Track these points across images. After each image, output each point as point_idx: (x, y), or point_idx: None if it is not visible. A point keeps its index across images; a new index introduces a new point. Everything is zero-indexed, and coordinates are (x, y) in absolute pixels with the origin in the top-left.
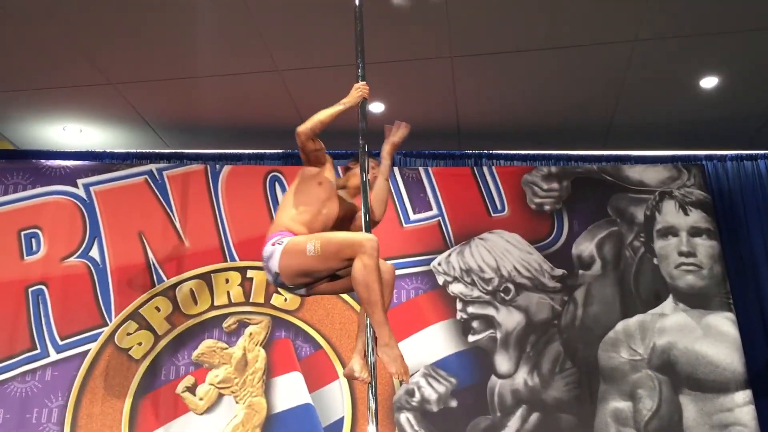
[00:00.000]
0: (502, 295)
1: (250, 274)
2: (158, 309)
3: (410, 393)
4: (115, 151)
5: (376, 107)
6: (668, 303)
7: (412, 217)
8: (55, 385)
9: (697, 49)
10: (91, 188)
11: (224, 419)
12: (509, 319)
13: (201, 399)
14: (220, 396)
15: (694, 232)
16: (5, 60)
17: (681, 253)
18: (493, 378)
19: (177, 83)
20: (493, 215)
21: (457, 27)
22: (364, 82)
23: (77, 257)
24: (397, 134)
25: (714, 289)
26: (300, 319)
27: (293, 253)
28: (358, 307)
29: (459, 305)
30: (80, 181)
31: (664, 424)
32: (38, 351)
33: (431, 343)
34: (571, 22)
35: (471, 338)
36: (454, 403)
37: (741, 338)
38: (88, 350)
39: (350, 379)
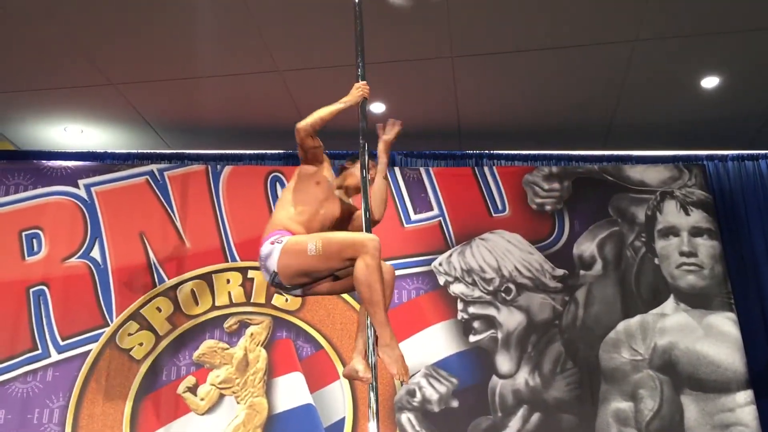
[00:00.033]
0: (503, 295)
1: (251, 274)
2: (159, 309)
3: (411, 393)
4: (116, 151)
5: (377, 107)
6: (669, 303)
7: (413, 217)
8: (57, 386)
9: (698, 49)
10: (92, 189)
11: (225, 419)
12: (510, 319)
13: (202, 399)
14: (221, 396)
15: (695, 232)
16: (6, 61)
17: (682, 253)
18: (495, 378)
19: (178, 83)
20: (494, 215)
21: (458, 27)
22: (365, 82)
23: (78, 258)
24: (390, 132)
25: (715, 289)
26: (301, 320)
27: (293, 253)
28: (358, 308)
29: (460, 305)
30: (81, 182)
31: (666, 425)
32: (39, 351)
33: (432, 344)
34: (571, 22)
35: (472, 338)
36: (455, 404)
37: (742, 338)
38: (90, 351)
39: (351, 379)
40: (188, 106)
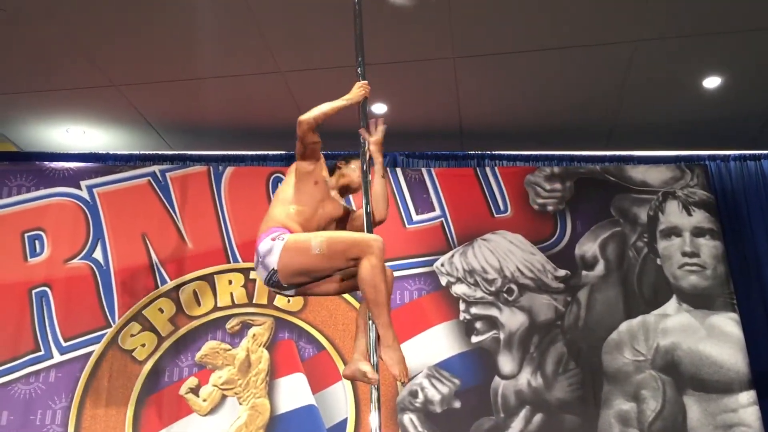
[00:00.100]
0: (505, 295)
1: (253, 275)
2: (161, 310)
3: (413, 394)
4: (118, 152)
5: (379, 108)
6: (672, 303)
7: (415, 218)
8: (59, 387)
9: (700, 48)
10: (95, 190)
11: (227, 420)
12: (512, 319)
13: (204, 400)
14: (224, 397)
15: (698, 232)
16: (8, 62)
17: (684, 254)
18: (497, 379)
19: (180, 85)
20: (495, 216)
21: (460, 28)
22: (366, 81)
23: (80, 259)
24: (377, 132)
25: (717, 289)
26: (303, 321)
27: (295, 251)
28: (359, 308)
29: (462, 306)
30: (83, 183)
31: (668, 425)
32: (42, 353)
33: (434, 344)
34: (573, 23)
35: (474, 339)
36: (457, 404)
37: (745, 338)
38: (92, 352)
39: (353, 380)
40: (190, 107)
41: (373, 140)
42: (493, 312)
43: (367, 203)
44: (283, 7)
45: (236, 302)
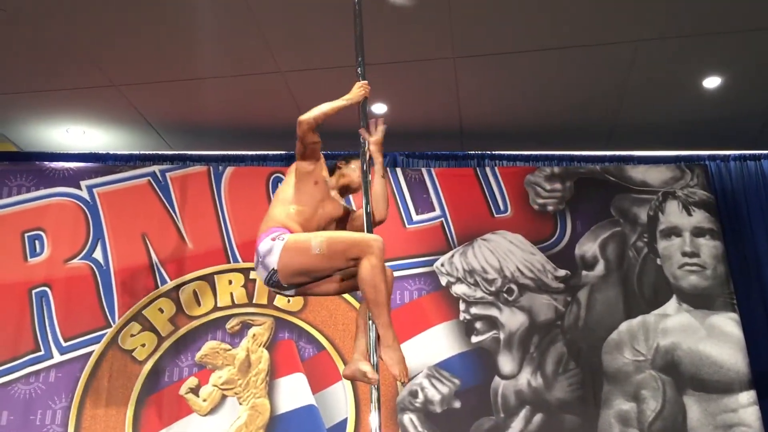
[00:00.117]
0: (505, 295)
1: (253, 275)
2: (161, 310)
3: (413, 394)
4: (118, 152)
5: (379, 108)
6: (672, 303)
7: (415, 218)
8: (59, 387)
9: (700, 49)
10: (95, 190)
11: (227, 421)
12: (512, 319)
13: (204, 400)
14: (224, 397)
15: (698, 232)
16: (8, 62)
17: (684, 254)
18: (497, 379)
19: (180, 85)
20: (495, 216)
21: (460, 28)
22: (366, 81)
23: (81, 259)
24: (377, 132)
25: (717, 289)
26: (303, 321)
27: (296, 251)
28: (358, 308)
29: (462, 306)
30: (83, 183)
31: (668, 425)
32: (42, 353)
33: (434, 344)
34: (573, 23)
35: (474, 339)
36: (457, 404)
37: (745, 338)
38: (92, 352)
39: (353, 380)
40: (190, 107)
41: (373, 140)
42: (493, 312)
43: (367, 203)
44: (283, 7)
45: (236, 302)
